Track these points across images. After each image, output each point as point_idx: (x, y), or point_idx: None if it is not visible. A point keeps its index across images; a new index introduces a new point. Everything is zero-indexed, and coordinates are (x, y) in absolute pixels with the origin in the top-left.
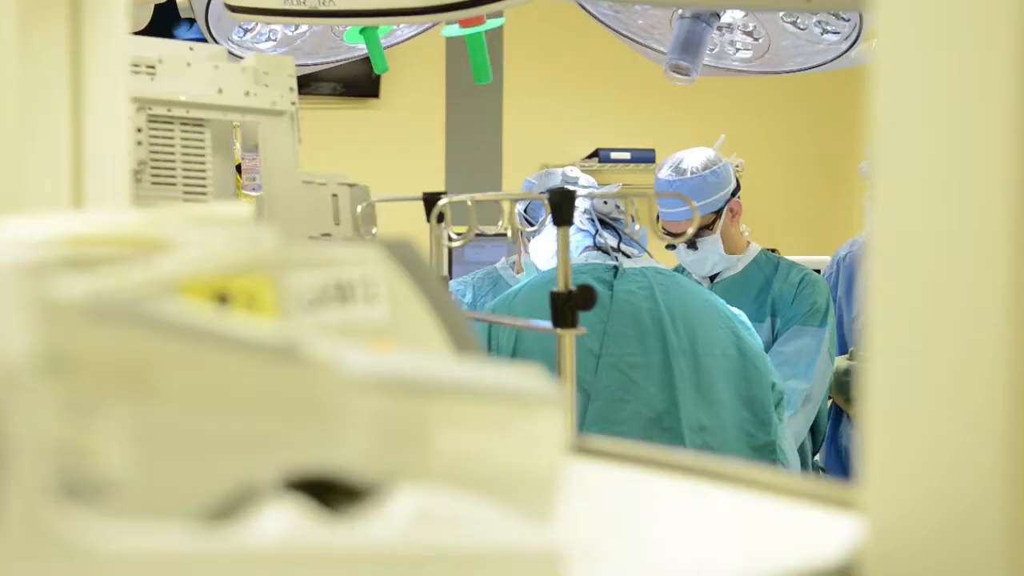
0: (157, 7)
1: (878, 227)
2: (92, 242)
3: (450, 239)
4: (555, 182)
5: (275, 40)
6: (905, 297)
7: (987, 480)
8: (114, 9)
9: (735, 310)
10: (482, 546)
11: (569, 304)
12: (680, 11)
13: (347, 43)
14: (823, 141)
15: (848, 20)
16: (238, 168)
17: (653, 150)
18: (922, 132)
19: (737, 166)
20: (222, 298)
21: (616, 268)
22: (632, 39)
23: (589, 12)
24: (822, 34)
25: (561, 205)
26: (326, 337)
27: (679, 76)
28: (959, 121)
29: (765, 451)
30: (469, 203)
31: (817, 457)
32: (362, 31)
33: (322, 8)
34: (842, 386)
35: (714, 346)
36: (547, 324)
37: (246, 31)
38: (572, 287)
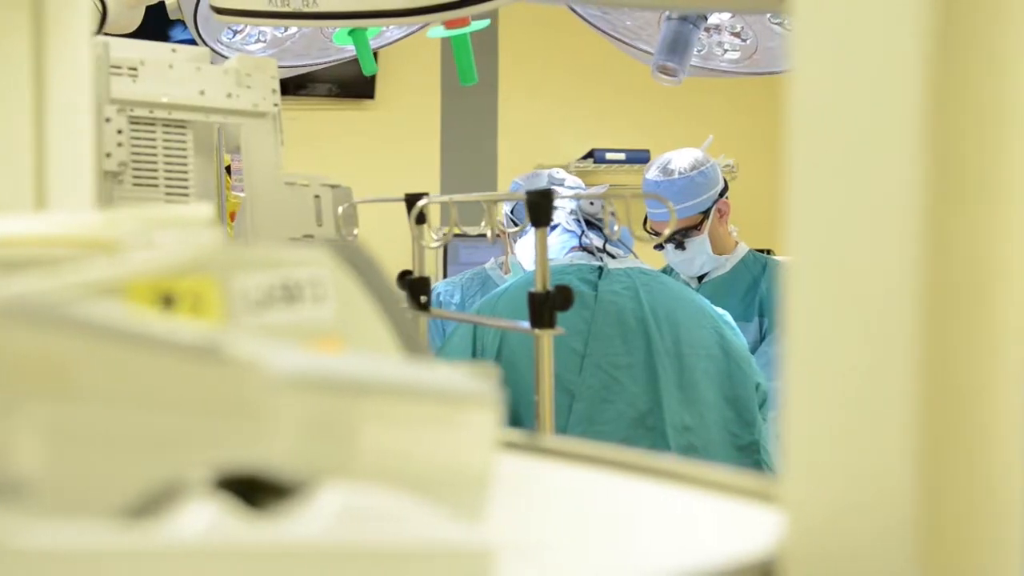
0: (151, 8)
1: (794, 236)
2: (29, 243)
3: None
4: (542, 183)
5: (264, 42)
6: (820, 300)
7: (897, 480)
8: (77, 11)
9: (720, 310)
10: (409, 543)
11: (547, 305)
12: (667, 12)
13: (336, 44)
14: None
15: None
16: (228, 169)
17: (648, 151)
18: (834, 144)
19: (727, 167)
20: (167, 300)
21: (601, 268)
22: (620, 40)
23: (577, 13)
24: None
25: (539, 206)
26: (266, 337)
27: (666, 77)
28: (871, 132)
29: (749, 451)
30: (450, 203)
31: None
32: (351, 32)
33: (306, 10)
34: None
35: (698, 346)
36: (527, 325)
37: (235, 32)
38: (550, 287)
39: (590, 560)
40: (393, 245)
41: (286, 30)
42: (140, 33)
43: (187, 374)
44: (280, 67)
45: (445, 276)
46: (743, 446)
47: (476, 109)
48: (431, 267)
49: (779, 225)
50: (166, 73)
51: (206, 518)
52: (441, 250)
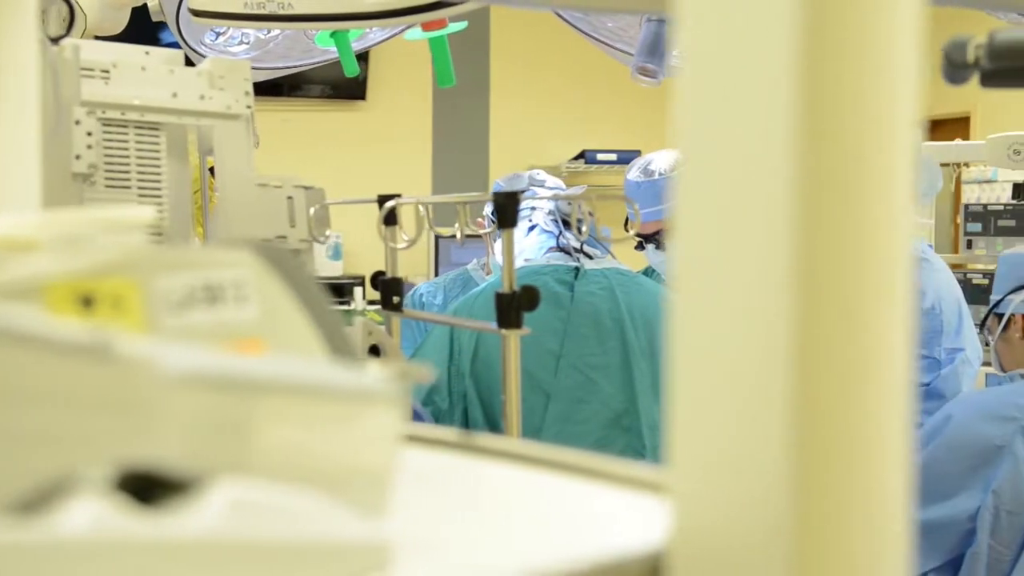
0: (141, 11)
1: (679, 230)
2: None
3: (445, 238)
4: (522, 185)
5: (248, 43)
6: (704, 293)
7: (777, 475)
8: (24, 12)
9: None
10: (302, 537)
11: (513, 305)
12: (647, 14)
13: (319, 46)
14: None
15: None
16: (211, 171)
17: (639, 151)
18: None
19: None
20: (87, 301)
21: (578, 269)
22: (602, 41)
23: (559, 15)
24: None
25: (505, 207)
26: (185, 338)
27: (645, 78)
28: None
29: None
30: (417, 204)
31: None
32: (332, 34)
33: (282, 13)
34: None
35: None
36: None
37: (218, 35)
38: (517, 288)
39: (478, 555)
40: (382, 246)
41: (268, 32)
42: (129, 35)
43: (76, 372)
44: (264, 69)
45: (436, 275)
46: None
47: (468, 110)
48: (423, 267)
49: None
50: (138, 75)
51: (91, 513)
52: (432, 251)
